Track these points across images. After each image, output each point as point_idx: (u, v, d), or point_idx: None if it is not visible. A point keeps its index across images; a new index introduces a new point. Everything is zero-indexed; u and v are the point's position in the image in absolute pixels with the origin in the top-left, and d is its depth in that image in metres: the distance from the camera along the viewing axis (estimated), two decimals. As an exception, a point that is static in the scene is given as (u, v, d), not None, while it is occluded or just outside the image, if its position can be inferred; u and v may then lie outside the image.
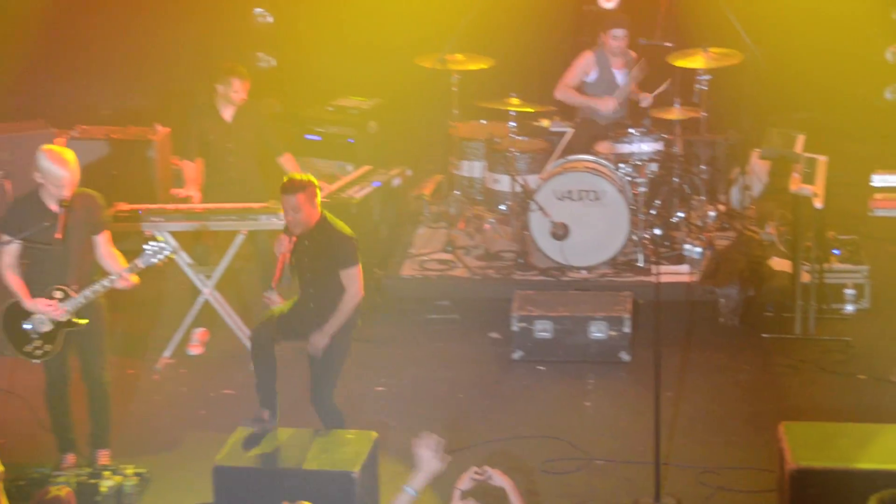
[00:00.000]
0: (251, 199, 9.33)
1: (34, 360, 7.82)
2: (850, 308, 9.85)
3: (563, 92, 10.78)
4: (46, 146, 7.74)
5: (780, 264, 10.09)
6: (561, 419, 8.72)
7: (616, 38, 10.57)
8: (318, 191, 7.62)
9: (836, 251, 9.90)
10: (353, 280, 7.64)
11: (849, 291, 9.84)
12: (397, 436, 8.12)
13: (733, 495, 7.73)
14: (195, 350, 9.64)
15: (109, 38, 13.13)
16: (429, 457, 6.31)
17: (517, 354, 9.46)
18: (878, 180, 9.07)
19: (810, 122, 12.20)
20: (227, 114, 9.59)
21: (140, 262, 7.71)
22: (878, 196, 9.05)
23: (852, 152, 12.18)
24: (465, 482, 6.51)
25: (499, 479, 6.60)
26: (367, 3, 13.08)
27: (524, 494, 6.69)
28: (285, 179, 7.65)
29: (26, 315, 7.67)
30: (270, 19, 13.48)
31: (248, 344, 9.33)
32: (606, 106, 10.61)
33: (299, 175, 7.72)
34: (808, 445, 7.11)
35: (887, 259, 10.27)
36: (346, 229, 7.72)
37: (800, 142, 10.40)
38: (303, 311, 7.73)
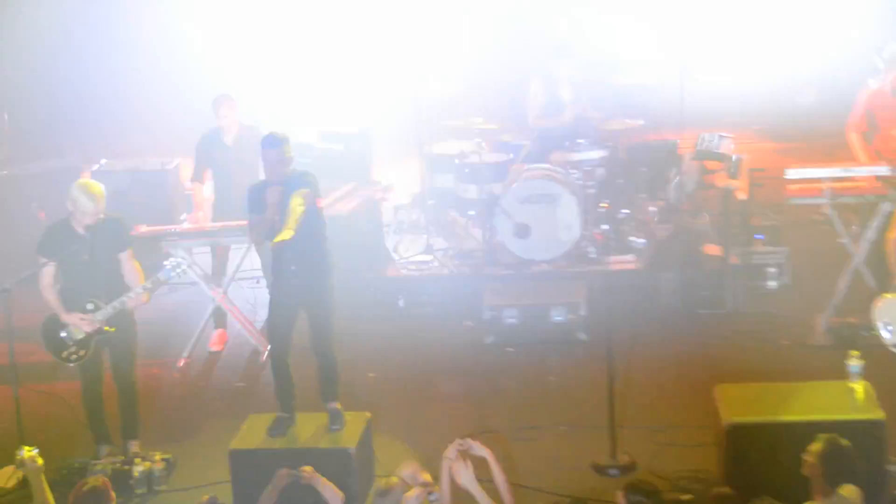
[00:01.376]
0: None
1: (70, 364, 7.81)
2: (773, 284, 9.84)
3: (534, 123, 10.71)
4: (80, 181, 7.81)
5: (712, 249, 10.07)
6: (528, 393, 8.70)
7: (561, 67, 10.51)
8: (289, 146, 7.35)
9: (759, 236, 9.91)
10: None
11: (771, 270, 9.83)
12: (388, 416, 8.09)
13: (678, 450, 7.70)
14: (215, 347, 9.59)
15: (129, 78, 13.12)
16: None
17: (489, 339, 9.42)
18: (792, 173, 9.03)
19: (734, 126, 12.23)
20: (229, 139, 9.56)
21: (161, 276, 7.77)
22: (792, 187, 9.02)
23: (769, 150, 12.22)
24: (451, 451, 6.46)
25: (479, 448, 6.56)
26: (345, 37, 13.09)
27: (500, 460, 6.67)
28: (264, 135, 7.40)
29: (63, 325, 7.68)
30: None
31: (255, 342, 9.35)
32: (561, 121, 10.58)
33: (272, 133, 7.41)
34: (740, 404, 7.13)
35: (803, 240, 10.23)
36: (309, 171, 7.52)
37: (726, 143, 10.43)
38: (292, 272, 7.38)
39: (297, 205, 7.26)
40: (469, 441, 6.56)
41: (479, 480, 6.32)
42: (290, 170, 7.40)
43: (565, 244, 10.00)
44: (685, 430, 7.86)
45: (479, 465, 6.50)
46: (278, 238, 7.27)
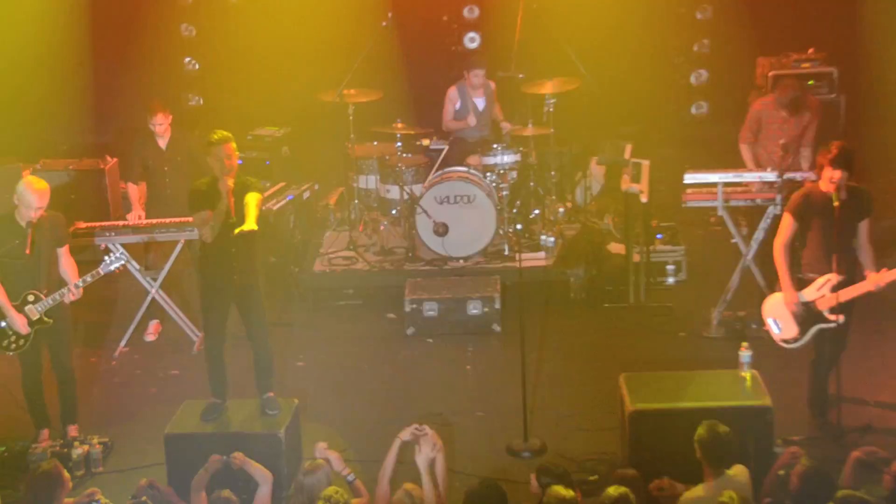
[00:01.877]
0: (185, 213, 9.11)
1: (10, 353, 7.70)
2: (671, 280, 9.95)
3: (447, 125, 10.85)
4: (26, 177, 7.69)
5: (615, 248, 10.13)
6: (447, 381, 8.72)
7: (476, 76, 10.65)
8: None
9: (659, 236, 9.98)
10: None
11: (670, 267, 9.94)
12: (315, 402, 8.09)
13: (585, 433, 7.78)
14: (150, 337, 9.49)
15: (64, 83, 12.86)
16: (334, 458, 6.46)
17: (410, 330, 9.44)
18: (689, 178, 9.13)
19: (635, 133, 12.32)
20: (163, 143, 9.48)
21: (101, 270, 7.67)
22: (689, 191, 9.12)
23: (668, 156, 12.34)
24: (406, 434, 6.46)
25: (432, 438, 6.51)
26: (277, 51, 12.99)
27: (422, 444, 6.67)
28: (216, 133, 7.28)
29: (2, 316, 7.54)
30: (197, 66, 13.32)
31: (188, 332, 9.26)
32: (468, 123, 10.65)
33: (223, 132, 7.31)
34: (642, 391, 7.20)
35: (698, 240, 10.37)
36: (258, 182, 7.51)
37: (628, 150, 10.53)
38: (230, 267, 7.29)
39: (252, 199, 7.20)
40: (425, 427, 6.56)
41: (401, 463, 6.37)
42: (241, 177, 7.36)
43: (481, 242, 10.05)
44: (592, 415, 7.94)
45: (409, 449, 6.53)
46: (240, 229, 7.09)
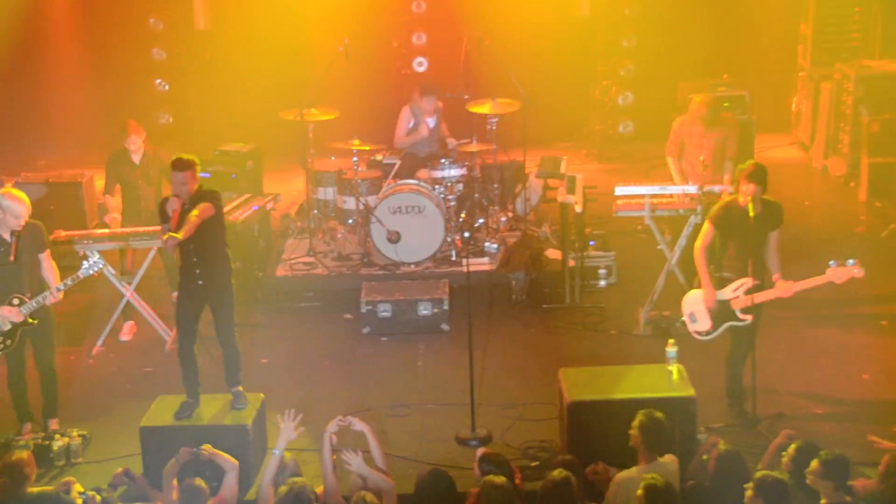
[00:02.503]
0: (158, 223, 9.05)
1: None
2: (603, 283, 9.94)
3: (399, 142, 10.86)
4: (6, 189, 7.61)
5: (553, 254, 10.14)
6: (400, 376, 8.71)
7: (428, 102, 10.72)
8: (198, 168, 7.32)
9: (591, 242, 9.97)
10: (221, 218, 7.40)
11: (602, 271, 9.93)
12: (279, 397, 7.96)
13: (527, 424, 7.80)
14: (125, 337, 9.38)
15: (43, 103, 12.69)
16: (287, 427, 6.44)
17: (366, 330, 9.39)
18: (619, 190, 9.23)
19: (569, 149, 12.45)
20: (136, 158, 9.44)
21: (80, 274, 7.59)
22: (619, 202, 9.20)
23: (599, 171, 12.48)
24: (332, 426, 6.48)
25: (358, 424, 6.59)
26: (242, 73, 12.95)
27: (377, 433, 6.70)
28: (174, 158, 7.27)
29: None
30: (167, 87, 13.21)
31: (161, 332, 9.18)
32: (421, 135, 10.68)
33: (186, 155, 7.32)
34: (579, 384, 7.24)
35: (627, 247, 10.39)
36: (214, 189, 7.49)
37: (563, 164, 10.59)
38: (196, 274, 7.33)
39: (192, 215, 7.17)
40: (350, 417, 6.60)
41: (357, 450, 6.38)
42: (198, 187, 7.32)
43: (430, 248, 10.05)
44: (533, 406, 7.97)
45: (358, 438, 6.56)
46: (166, 236, 7.14)
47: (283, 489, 5.94)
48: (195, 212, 7.19)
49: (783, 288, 7.47)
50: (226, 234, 7.56)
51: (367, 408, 7.96)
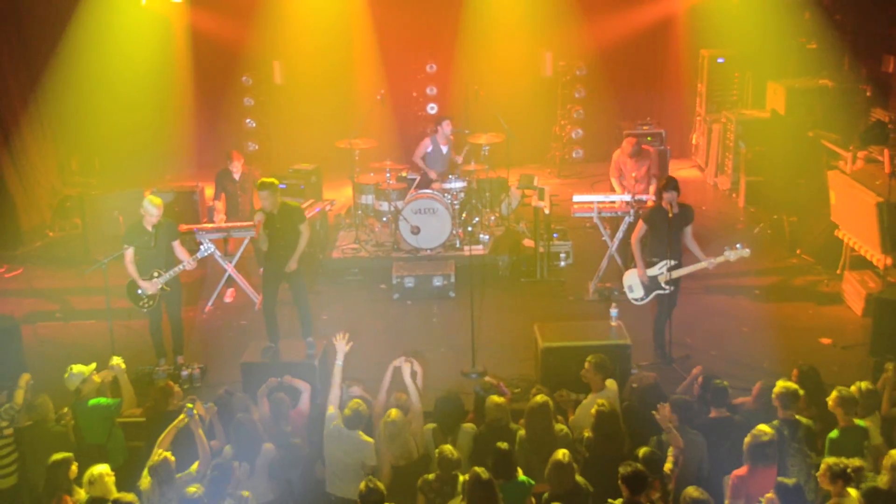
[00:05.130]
0: (251, 220, 9.07)
1: (144, 310, 7.60)
2: (563, 263, 9.86)
3: (414, 159, 10.69)
4: (148, 196, 7.58)
5: (528, 243, 10.05)
6: (420, 328, 8.65)
7: (447, 125, 10.42)
8: (276, 187, 7.23)
9: (555, 234, 9.92)
10: (305, 228, 7.34)
11: (563, 255, 9.88)
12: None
13: (512, 362, 7.77)
14: (228, 299, 9.29)
15: (169, 134, 12.63)
16: (340, 344, 6.33)
17: (395, 296, 9.30)
18: (576, 198, 9.19)
19: (538, 169, 12.37)
20: (236, 176, 9.38)
21: (198, 255, 7.58)
22: (575, 206, 9.18)
23: (559, 184, 12.38)
24: (398, 361, 6.33)
25: (414, 363, 6.42)
26: (307, 113, 12.87)
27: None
28: (259, 182, 7.23)
29: (139, 286, 7.50)
30: (254, 124, 13.13)
31: (252, 296, 9.11)
32: (431, 175, 10.49)
33: (267, 179, 7.27)
34: (549, 334, 7.22)
35: (580, 237, 10.31)
36: (298, 205, 7.44)
37: (535, 179, 10.54)
38: (278, 259, 7.30)
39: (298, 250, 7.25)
40: (410, 357, 6.47)
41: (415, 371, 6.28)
42: (280, 200, 7.26)
43: (441, 238, 9.96)
44: (516, 350, 7.93)
45: (398, 373, 6.42)
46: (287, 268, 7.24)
47: (346, 411, 5.86)
48: (300, 246, 7.26)
49: (707, 262, 7.44)
50: (306, 227, 7.45)
51: (400, 351, 7.88)
